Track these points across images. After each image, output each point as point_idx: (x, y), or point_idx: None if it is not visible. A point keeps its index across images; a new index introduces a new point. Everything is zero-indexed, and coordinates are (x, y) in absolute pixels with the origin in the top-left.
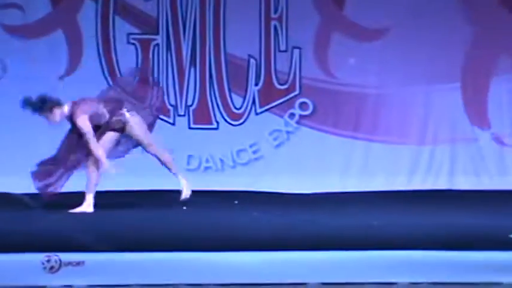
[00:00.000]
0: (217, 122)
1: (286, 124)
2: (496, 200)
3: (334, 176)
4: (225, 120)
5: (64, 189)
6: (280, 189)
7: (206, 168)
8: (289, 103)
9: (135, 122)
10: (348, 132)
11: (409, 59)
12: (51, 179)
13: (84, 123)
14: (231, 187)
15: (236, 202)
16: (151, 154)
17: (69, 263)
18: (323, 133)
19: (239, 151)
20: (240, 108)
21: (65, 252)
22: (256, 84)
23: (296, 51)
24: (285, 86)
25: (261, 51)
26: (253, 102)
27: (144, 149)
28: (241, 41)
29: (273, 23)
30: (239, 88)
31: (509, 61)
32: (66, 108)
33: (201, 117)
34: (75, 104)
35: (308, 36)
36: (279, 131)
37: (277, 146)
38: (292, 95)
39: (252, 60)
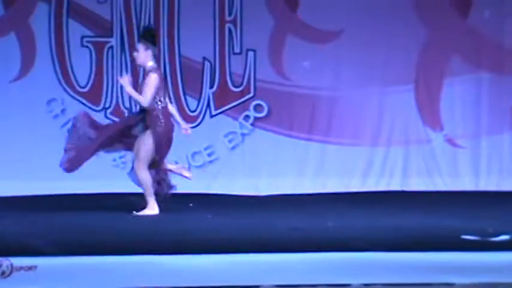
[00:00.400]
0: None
1: (241, 126)
2: (449, 201)
3: (289, 178)
4: None
5: (14, 193)
6: (235, 191)
7: None
8: (244, 105)
9: (158, 132)
10: (302, 134)
11: (363, 61)
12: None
13: (155, 79)
14: (186, 190)
15: (191, 205)
16: (134, 168)
17: (21, 268)
18: (278, 135)
19: (194, 153)
20: (194, 110)
21: (17, 256)
22: (211, 87)
23: (250, 54)
24: (240, 89)
25: (215, 53)
26: (208, 104)
27: (134, 159)
28: (196, 43)
29: (227, 25)
30: (194, 91)
31: (461, 63)
32: (151, 63)
33: None
34: (156, 68)
35: (262, 38)
36: (234, 133)
37: (233, 148)
38: (247, 97)
39: (206, 63)
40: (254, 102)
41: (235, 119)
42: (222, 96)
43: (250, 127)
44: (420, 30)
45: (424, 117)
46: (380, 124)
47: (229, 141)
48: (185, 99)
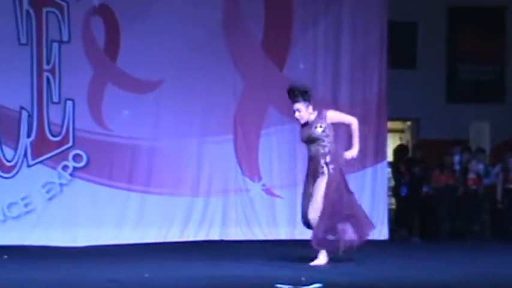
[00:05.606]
0: None
1: (60, 176)
2: (266, 249)
3: (108, 228)
4: None
5: None
6: (52, 242)
7: None
8: (63, 155)
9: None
10: (122, 184)
11: (182, 111)
12: None
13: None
14: (1, 242)
15: (6, 257)
16: None
17: None
18: (97, 185)
19: (10, 204)
20: (11, 160)
21: None
22: (29, 136)
23: (69, 103)
24: (58, 138)
25: (33, 102)
26: (25, 154)
27: None
28: (13, 92)
29: (45, 74)
30: (10, 140)
31: (277, 114)
32: (313, 115)
33: None
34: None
35: (81, 87)
36: (52, 183)
37: (50, 198)
38: (65, 147)
39: (24, 112)
40: (73, 152)
41: (54, 168)
42: (40, 146)
43: (69, 177)
44: (238, 82)
45: (242, 167)
46: (199, 174)
47: (47, 192)
48: (1, 148)
